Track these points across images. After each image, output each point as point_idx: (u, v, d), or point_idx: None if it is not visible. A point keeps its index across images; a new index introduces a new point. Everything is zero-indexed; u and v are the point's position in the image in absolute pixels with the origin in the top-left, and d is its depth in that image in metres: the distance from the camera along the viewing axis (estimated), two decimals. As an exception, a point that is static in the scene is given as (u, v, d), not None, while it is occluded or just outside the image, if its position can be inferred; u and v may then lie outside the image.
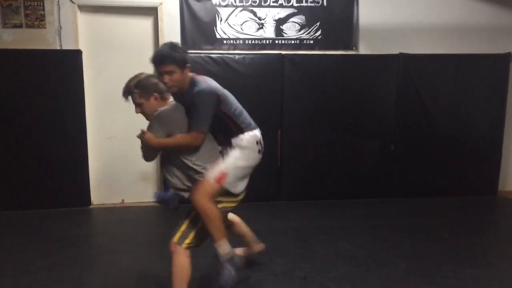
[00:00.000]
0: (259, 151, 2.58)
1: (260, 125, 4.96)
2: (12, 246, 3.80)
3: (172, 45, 2.56)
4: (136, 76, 2.57)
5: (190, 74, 2.58)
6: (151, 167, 5.19)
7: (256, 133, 2.64)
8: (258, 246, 3.21)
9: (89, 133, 4.93)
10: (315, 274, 3.25)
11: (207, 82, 2.58)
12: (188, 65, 2.56)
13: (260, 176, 5.13)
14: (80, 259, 3.53)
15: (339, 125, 5.24)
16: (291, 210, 4.93)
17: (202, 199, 2.42)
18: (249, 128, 2.61)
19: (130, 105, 5.06)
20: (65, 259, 3.50)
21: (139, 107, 2.58)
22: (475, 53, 5.38)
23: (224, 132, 2.55)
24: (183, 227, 2.52)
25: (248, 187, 2.68)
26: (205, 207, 2.42)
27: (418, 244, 3.86)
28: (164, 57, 2.49)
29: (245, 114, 2.66)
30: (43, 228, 4.31)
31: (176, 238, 2.51)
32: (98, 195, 5.11)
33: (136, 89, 2.51)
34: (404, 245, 3.84)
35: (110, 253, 3.69)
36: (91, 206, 5.04)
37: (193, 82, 2.54)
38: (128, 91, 2.54)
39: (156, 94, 2.52)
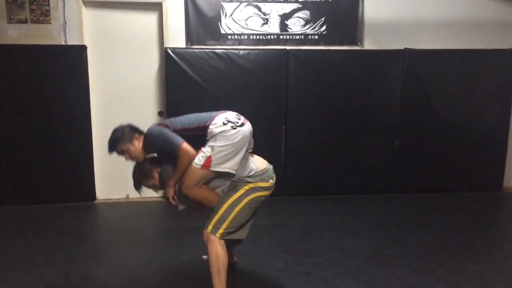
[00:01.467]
0: (233, 127, 2.57)
1: (265, 120, 5.00)
2: (17, 240, 3.83)
3: (114, 130, 2.84)
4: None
5: (139, 137, 2.81)
6: (155, 162, 5.20)
7: (219, 117, 2.64)
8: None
9: (94, 128, 4.94)
10: (319, 269, 3.25)
11: (152, 126, 2.78)
12: (135, 135, 2.80)
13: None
14: (85, 253, 3.55)
15: (343, 120, 5.23)
16: (295, 206, 4.93)
17: (193, 190, 2.59)
18: (211, 120, 2.63)
19: (135, 100, 5.10)
20: (70, 253, 3.53)
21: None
22: (481, 48, 5.34)
23: (198, 141, 2.61)
24: (215, 218, 2.58)
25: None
26: (199, 195, 2.62)
27: (422, 240, 3.86)
28: (112, 144, 2.80)
29: (202, 115, 2.72)
30: (48, 223, 4.33)
31: (209, 228, 2.57)
32: (103, 190, 5.13)
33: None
34: (409, 241, 3.84)
35: (115, 248, 3.71)
36: (96, 201, 5.06)
37: (146, 139, 2.76)
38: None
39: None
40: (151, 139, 2.70)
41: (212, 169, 2.53)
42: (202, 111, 5.01)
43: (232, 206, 2.60)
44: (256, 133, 5.06)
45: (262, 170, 2.75)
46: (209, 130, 2.58)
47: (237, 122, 2.60)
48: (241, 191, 2.64)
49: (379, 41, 5.29)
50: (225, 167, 2.54)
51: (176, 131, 2.63)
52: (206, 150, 2.55)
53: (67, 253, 3.53)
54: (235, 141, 2.54)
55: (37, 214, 4.61)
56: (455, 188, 5.47)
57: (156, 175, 2.76)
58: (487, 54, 5.33)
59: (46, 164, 4.84)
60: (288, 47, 5.11)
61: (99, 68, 4.98)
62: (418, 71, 5.22)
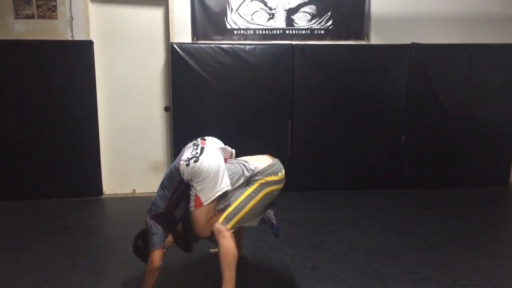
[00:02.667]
0: (195, 161, 2.52)
1: (270, 115, 5.00)
2: (25, 234, 3.86)
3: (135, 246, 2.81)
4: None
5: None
6: (162, 157, 5.23)
7: (181, 164, 2.58)
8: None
9: (101, 123, 4.97)
10: (325, 264, 3.26)
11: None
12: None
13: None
14: (93, 247, 3.58)
15: (350, 115, 5.22)
16: (301, 201, 4.93)
17: (207, 227, 2.61)
18: (178, 173, 2.59)
19: (141, 95, 5.10)
20: (78, 247, 3.55)
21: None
22: (489, 43, 5.31)
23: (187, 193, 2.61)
24: (229, 210, 2.61)
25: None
26: (215, 231, 2.59)
27: (429, 235, 3.86)
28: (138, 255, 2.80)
29: (171, 174, 2.66)
30: (56, 217, 4.37)
31: (221, 219, 2.58)
32: (110, 185, 5.16)
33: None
34: (415, 236, 3.83)
35: (122, 242, 3.72)
36: (102, 196, 5.08)
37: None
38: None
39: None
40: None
41: (206, 203, 2.54)
42: (208, 106, 5.05)
43: (247, 200, 2.63)
44: (261, 128, 5.11)
45: (266, 167, 2.74)
46: (184, 180, 2.55)
47: (196, 153, 2.57)
48: (255, 186, 2.66)
49: (386, 35, 5.26)
50: (217, 191, 2.55)
51: (160, 214, 2.62)
52: (191, 193, 2.55)
53: (75, 247, 3.56)
54: (206, 169, 2.51)
55: (44, 208, 4.64)
56: (462, 183, 5.44)
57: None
58: (495, 49, 5.29)
59: (53, 159, 4.87)
60: (294, 42, 5.10)
61: (105, 63, 4.99)
62: (425, 65, 5.20)
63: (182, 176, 2.53)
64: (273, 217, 2.88)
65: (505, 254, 3.50)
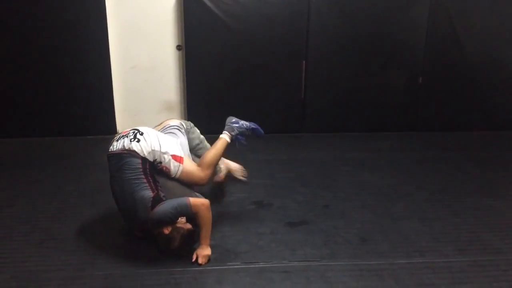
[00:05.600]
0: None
1: (284, 55, 4.90)
2: (42, 171, 3.95)
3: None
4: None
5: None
6: (174, 97, 5.21)
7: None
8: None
9: (113, 62, 4.93)
10: (337, 202, 3.31)
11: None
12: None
13: (283, 108, 5.16)
14: (108, 184, 3.65)
15: (366, 55, 5.08)
16: (314, 142, 4.94)
17: (207, 171, 2.68)
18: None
19: (153, 33, 5.00)
20: (93, 184, 3.62)
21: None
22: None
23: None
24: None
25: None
26: (212, 166, 2.73)
27: (441, 176, 3.87)
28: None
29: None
30: (71, 154, 4.46)
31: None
32: (123, 124, 5.18)
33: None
34: (427, 177, 3.85)
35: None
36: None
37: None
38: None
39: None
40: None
41: (183, 153, 2.65)
42: (220, 45, 4.94)
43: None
44: (275, 68, 5.01)
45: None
46: (142, 155, 2.49)
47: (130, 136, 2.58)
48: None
49: (407, -29, 5.01)
50: (176, 142, 2.71)
51: (154, 199, 2.44)
52: (164, 161, 2.54)
53: (91, 183, 3.64)
54: (152, 133, 2.63)
55: (60, 146, 4.73)
56: (478, 126, 5.38)
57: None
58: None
59: (68, 98, 4.91)
60: (310, -22, 4.89)
61: (116, 1, 4.87)
62: (446, 4, 4.97)
63: (140, 153, 2.49)
64: (244, 125, 2.83)
65: (516, 195, 3.51)
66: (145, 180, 2.45)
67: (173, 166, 2.57)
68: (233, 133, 2.78)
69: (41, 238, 2.74)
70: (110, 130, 5.06)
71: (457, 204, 3.29)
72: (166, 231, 2.42)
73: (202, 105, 5.03)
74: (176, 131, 2.88)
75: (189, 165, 2.65)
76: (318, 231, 2.85)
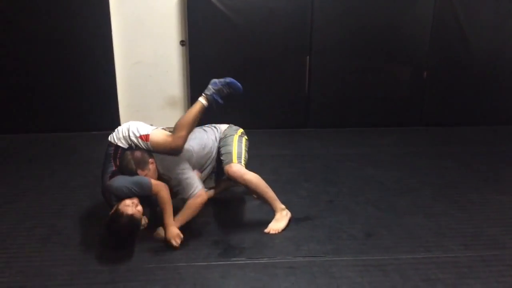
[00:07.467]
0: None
1: (288, 50, 4.88)
2: (46, 167, 3.96)
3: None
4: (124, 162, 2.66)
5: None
6: (178, 92, 5.21)
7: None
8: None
9: (117, 57, 4.93)
10: (341, 198, 3.31)
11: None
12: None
13: (287, 103, 5.15)
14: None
15: (370, 50, 5.06)
16: (318, 137, 4.92)
17: (181, 133, 2.69)
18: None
19: (157, 29, 4.98)
20: (98, 179, 3.60)
21: None
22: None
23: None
24: (234, 154, 2.83)
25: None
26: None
27: (446, 172, 3.86)
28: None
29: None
30: (76, 150, 4.47)
31: (234, 160, 2.80)
32: (127, 119, 5.16)
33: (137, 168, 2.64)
34: (432, 172, 3.84)
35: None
36: (121, 130, 5.14)
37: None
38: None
39: (150, 159, 2.69)
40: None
41: (150, 131, 2.73)
42: (224, 40, 4.93)
43: (239, 144, 2.91)
44: (279, 63, 4.99)
45: (227, 128, 3.05)
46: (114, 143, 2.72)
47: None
48: (238, 134, 2.98)
49: (412, -36, 4.98)
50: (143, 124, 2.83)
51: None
52: (135, 142, 2.71)
53: (95, 178, 3.63)
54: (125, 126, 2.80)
55: (65, 141, 4.73)
56: (483, 121, 5.35)
57: (152, 167, 2.67)
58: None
59: (72, 94, 4.91)
60: (314, -28, 4.86)
61: (119, -5, 4.87)
62: (452, -3, 4.94)
63: (114, 142, 2.71)
64: (219, 82, 2.77)
65: (522, 191, 3.49)
66: (112, 163, 2.67)
67: (144, 145, 2.71)
68: (208, 93, 2.73)
69: (46, 233, 2.76)
70: (114, 125, 5.00)
71: (462, 199, 3.28)
72: (121, 207, 2.45)
73: (206, 101, 5.02)
74: (209, 129, 3.04)
75: (157, 136, 2.71)
76: (322, 227, 2.85)
